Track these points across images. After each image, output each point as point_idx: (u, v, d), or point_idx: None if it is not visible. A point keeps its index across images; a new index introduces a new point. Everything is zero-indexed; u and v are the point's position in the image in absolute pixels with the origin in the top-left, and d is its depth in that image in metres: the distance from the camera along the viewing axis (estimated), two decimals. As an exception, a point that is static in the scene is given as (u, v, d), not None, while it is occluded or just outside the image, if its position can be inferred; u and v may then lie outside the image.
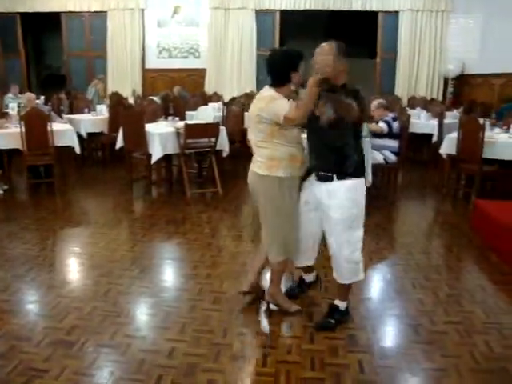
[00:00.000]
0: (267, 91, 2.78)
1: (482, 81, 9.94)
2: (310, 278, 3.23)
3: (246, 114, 7.05)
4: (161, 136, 5.57)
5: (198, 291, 3.31)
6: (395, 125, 5.45)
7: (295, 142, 2.78)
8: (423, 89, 10.87)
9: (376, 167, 5.34)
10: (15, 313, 3.02)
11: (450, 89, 10.51)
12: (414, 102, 10.20)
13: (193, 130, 5.55)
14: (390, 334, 2.88)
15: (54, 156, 5.68)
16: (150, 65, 11.57)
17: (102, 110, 7.59)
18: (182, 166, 5.69)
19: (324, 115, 2.56)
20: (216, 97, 10.55)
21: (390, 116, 5.54)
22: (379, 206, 5.45)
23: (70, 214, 5.10)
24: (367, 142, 5.04)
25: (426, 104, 9.62)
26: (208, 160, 6.14)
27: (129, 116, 6.05)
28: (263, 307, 3.08)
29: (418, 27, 10.68)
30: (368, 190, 5.12)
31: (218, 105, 8.62)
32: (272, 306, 3.06)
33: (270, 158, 2.77)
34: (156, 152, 5.53)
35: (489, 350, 2.65)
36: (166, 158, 5.90)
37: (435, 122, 7.58)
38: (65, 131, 6.00)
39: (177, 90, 10.01)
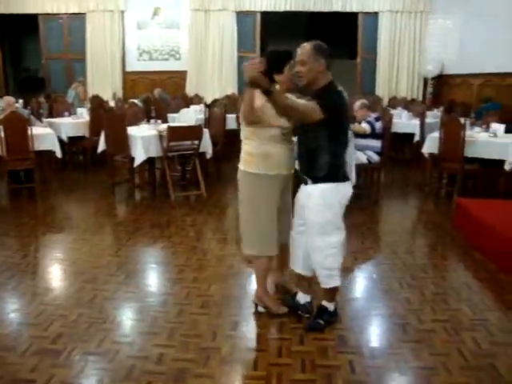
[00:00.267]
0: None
1: (461, 81, 10.08)
2: (302, 298, 3.04)
3: (228, 115, 7.04)
4: (143, 139, 5.51)
5: (185, 295, 3.28)
6: (378, 125, 5.50)
7: (272, 142, 2.77)
8: (403, 89, 11.00)
9: (359, 167, 5.39)
10: (-2, 322, 2.94)
11: (430, 89, 10.63)
12: (394, 102, 10.30)
13: (176, 133, 5.51)
14: (378, 334, 2.89)
15: (35, 161, 5.58)
16: (130, 67, 11.47)
17: (83, 114, 7.48)
18: (165, 168, 5.65)
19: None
20: (197, 99, 10.51)
21: (372, 116, 5.59)
22: (363, 206, 5.49)
23: (52, 220, 5.01)
24: (350, 143, 5.08)
25: (407, 104, 9.73)
26: (191, 163, 6.11)
27: (111, 119, 5.98)
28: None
29: (397, 28, 10.80)
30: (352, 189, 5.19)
31: (200, 107, 8.59)
32: (260, 309, 3.04)
33: (247, 154, 2.86)
34: (139, 155, 5.47)
35: (476, 347, 2.68)
36: (149, 161, 5.84)
37: (416, 121, 7.67)
38: (45, 135, 5.90)
39: (157, 92, 9.94)
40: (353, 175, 5.12)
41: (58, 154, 6.08)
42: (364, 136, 5.46)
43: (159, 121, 6.41)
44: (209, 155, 6.08)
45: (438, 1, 10.57)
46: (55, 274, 3.76)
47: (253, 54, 11.41)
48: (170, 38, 11.39)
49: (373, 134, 5.48)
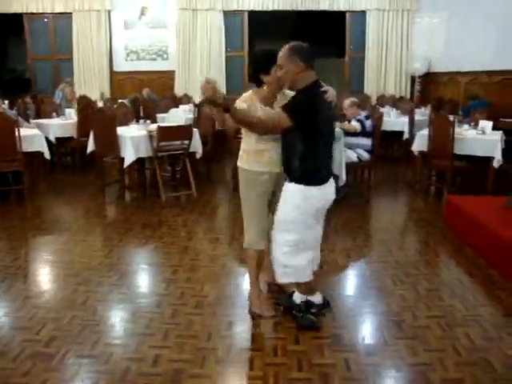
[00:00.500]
0: (248, 91, 2.86)
1: (448, 79, 10.16)
2: (298, 298, 2.96)
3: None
4: (133, 139, 5.47)
5: (179, 296, 3.26)
6: (368, 123, 5.52)
7: (265, 139, 2.76)
8: (391, 87, 11.05)
9: (350, 166, 5.41)
10: (-11, 326, 2.90)
11: (417, 87, 10.70)
12: (383, 101, 10.35)
13: (166, 133, 5.48)
14: (373, 331, 2.89)
15: (23, 162, 5.51)
16: (118, 67, 11.37)
17: (71, 114, 7.41)
18: (155, 169, 5.61)
19: None
20: (186, 98, 10.47)
21: (362, 114, 5.61)
22: (354, 204, 5.51)
23: (42, 222, 4.95)
24: (340, 142, 5.10)
25: (395, 102, 9.78)
26: (181, 163, 6.08)
27: (100, 120, 5.92)
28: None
29: (384, 26, 10.85)
30: (342, 188, 5.22)
31: (189, 107, 8.55)
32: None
33: (242, 150, 2.93)
34: (128, 156, 5.43)
35: (470, 343, 2.71)
36: (139, 162, 5.80)
37: (405, 119, 7.72)
38: (33, 136, 5.83)
39: (146, 92, 9.88)
40: (343, 174, 5.16)
41: (47, 155, 6.01)
42: (354, 134, 5.48)
43: (148, 121, 6.37)
44: (199, 155, 6.06)
45: (425, -1, 10.66)
46: (46, 277, 3.71)
47: (241, 53, 11.42)
48: (158, 37, 11.32)
49: (363, 133, 5.50)
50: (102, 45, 11.10)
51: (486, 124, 5.91)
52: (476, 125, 6.12)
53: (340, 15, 11.07)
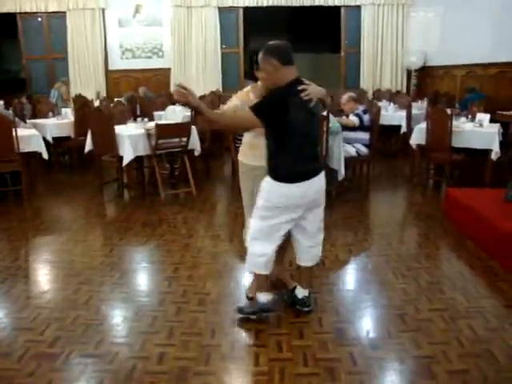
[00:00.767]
0: (247, 87, 2.92)
1: (444, 72, 10.17)
2: (300, 293, 2.99)
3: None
4: (131, 138, 5.45)
5: (182, 293, 3.26)
6: (366, 117, 5.52)
7: (260, 133, 2.72)
8: (387, 81, 11.06)
9: (348, 160, 5.41)
10: (-8, 328, 2.89)
11: (414, 81, 10.72)
12: (379, 95, 10.36)
13: (164, 130, 5.47)
14: (377, 325, 2.89)
15: (21, 163, 5.49)
16: (113, 66, 11.34)
17: (68, 114, 7.37)
18: (154, 167, 5.59)
19: None
20: (183, 96, 10.42)
21: (360, 109, 5.60)
22: (353, 199, 5.52)
23: (42, 222, 4.93)
24: (338, 137, 5.11)
25: (392, 96, 9.79)
26: (179, 160, 6.07)
27: (97, 119, 5.90)
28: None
29: (380, 21, 10.85)
30: (342, 182, 5.24)
31: (186, 104, 8.51)
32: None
33: (242, 144, 3.02)
34: (127, 154, 5.41)
35: (473, 334, 2.72)
36: (137, 160, 5.79)
37: (402, 113, 7.72)
38: (31, 136, 5.79)
39: (142, 90, 9.84)
40: (342, 168, 5.16)
41: (45, 156, 5.98)
42: (353, 129, 5.48)
43: (146, 119, 6.36)
44: (197, 152, 6.05)
45: (419, -8, 10.66)
46: (48, 277, 3.70)
47: (236, 50, 11.41)
48: (153, 35, 11.30)
49: (361, 127, 5.50)
50: (97, 43, 11.07)
51: (484, 117, 5.93)
52: (473, 118, 6.13)
53: (335, 10, 11.06)
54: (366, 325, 2.89)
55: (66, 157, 7.91)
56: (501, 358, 2.49)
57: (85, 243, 4.30)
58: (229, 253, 4.01)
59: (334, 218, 4.73)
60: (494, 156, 5.51)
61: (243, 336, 2.78)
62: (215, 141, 7.38)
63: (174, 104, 8.74)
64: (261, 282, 2.90)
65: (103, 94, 11.01)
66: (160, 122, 5.90)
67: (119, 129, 5.70)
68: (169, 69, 11.18)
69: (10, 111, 7.05)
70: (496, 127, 5.76)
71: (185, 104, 2.46)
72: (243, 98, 2.84)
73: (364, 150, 5.57)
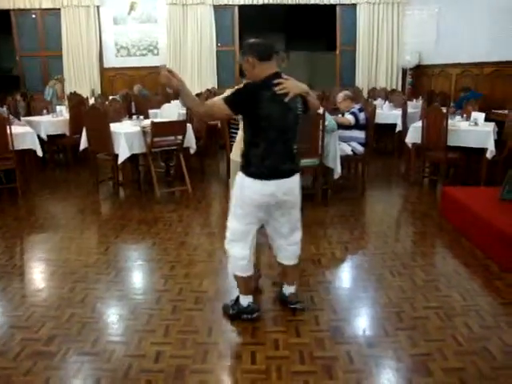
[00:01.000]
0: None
1: (439, 71, 10.21)
2: (287, 290, 3.00)
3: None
4: (127, 135, 5.43)
5: (178, 291, 3.26)
6: (362, 116, 5.52)
7: None
8: (383, 80, 11.09)
9: (344, 159, 5.41)
10: (-13, 326, 2.87)
11: (409, 79, 10.75)
12: (374, 93, 10.38)
13: (160, 128, 5.45)
14: (373, 323, 2.90)
15: (15, 160, 5.46)
16: (108, 63, 11.30)
17: (62, 111, 7.34)
18: (150, 164, 5.57)
19: None
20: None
21: (356, 107, 5.61)
22: (349, 197, 5.53)
23: (37, 220, 4.90)
24: (334, 135, 5.11)
25: (387, 95, 9.81)
26: (175, 158, 6.05)
27: (92, 116, 5.86)
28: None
29: (375, 19, 10.88)
30: (337, 181, 5.23)
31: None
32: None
33: (236, 141, 3.05)
34: (123, 152, 5.39)
35: (469, 332, 2.73)
36: (133, 158, 5.76)
37: (397, 112, 7.73)
38: (25, 134, 5.76)
39: (137, 88, 9.82)
40: (338, 167, 5.16)
41: (39, 153, 5.94)
42: (348, 127, 5.48)
43: (142, 117, 6.34)
44: (193, 150, 6.04)
45: (415, -9, 10.69)
46: (43, 275, 3.67)
47: (231, 48, 11.39)
48: (148, 32, 11.27)
49: (357, 125, 5.51)
50: (92, 41, 11.03)
51: (479, 115, 5.95)
52: (468, 116, 6.15)
53: (330, 8, 11.07)
54: (363, 323, 2.90)
55: (60, 155, 7.87)
56: (497, 355, 2.50)
57: (80, 241, 4.28)
58: (225, 250, 3.99)
59: (330, 216, 4.73)
60: (489, 155, 5.53)
61: (240, 334, 2.77)
62: (211, 139, 7.36)
63: (169, 102, 8.75)
64: (242, 284, 2.87)
65: (98, 91, 10.96)
66: (156, 120, 5.88)
67: (114, 127, 5.67)
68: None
69: (4, 108, 7.01)
70: (491, 126, 5.79)
71: (168, 86, 2.47)
72: None
73: (360, 148, 5.57)
